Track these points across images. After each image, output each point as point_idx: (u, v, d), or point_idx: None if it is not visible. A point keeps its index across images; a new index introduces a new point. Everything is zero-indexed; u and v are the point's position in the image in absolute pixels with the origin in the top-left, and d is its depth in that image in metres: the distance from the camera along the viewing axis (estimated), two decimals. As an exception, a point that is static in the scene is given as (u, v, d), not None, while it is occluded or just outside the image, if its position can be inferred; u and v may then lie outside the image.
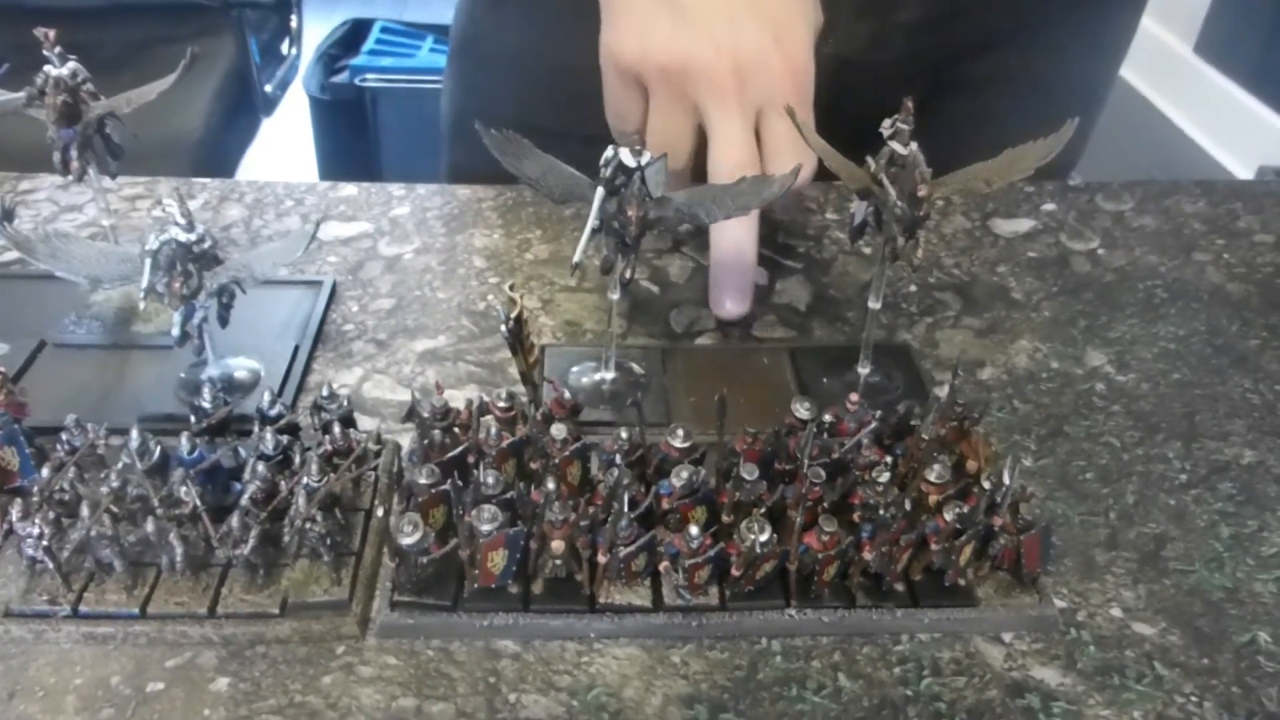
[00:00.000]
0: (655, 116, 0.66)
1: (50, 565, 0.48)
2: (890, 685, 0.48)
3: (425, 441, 0.52)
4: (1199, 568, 0.54)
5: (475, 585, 0.49)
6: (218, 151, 1.76)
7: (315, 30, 2.47)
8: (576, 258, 0.52)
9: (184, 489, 0.48)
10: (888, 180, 0.55)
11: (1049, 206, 0.86)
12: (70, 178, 0.60)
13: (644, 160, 0.53)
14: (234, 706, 0.46)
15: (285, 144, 2.24)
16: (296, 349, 0.65)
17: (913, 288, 0.74)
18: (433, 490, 0.50)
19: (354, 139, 2.34)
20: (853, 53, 0.78)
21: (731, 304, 0.68)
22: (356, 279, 0.73)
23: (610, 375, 0.63)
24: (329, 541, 0.49)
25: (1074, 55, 0.89)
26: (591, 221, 0.53)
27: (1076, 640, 0.50)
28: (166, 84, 0.61)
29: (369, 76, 2.33)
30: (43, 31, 0.57)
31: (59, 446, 0.52)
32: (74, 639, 0.48)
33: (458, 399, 0.56)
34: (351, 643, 0.48)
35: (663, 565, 0.49)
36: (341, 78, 2.40)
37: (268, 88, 2.01)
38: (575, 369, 0.64)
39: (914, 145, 0.55)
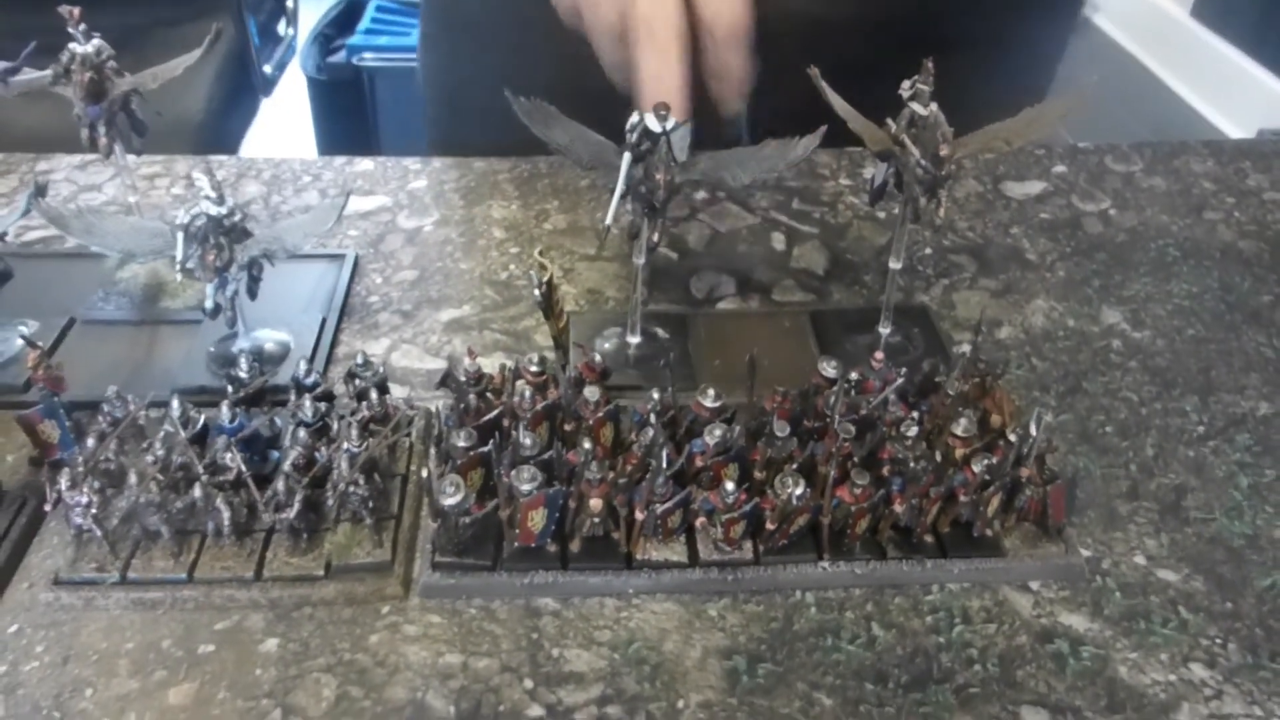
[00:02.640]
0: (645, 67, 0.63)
1: (98, 533, 0.49)
2: (923, 634, 0.49)
3: (461, 406, 0.53)
4: (1219, 516, 0.55)
5: (515, 545, 0.50)
6: (219, 133, 1.76)
7: (310, 10, 2.46)
8: (609, 220, 0.53)
9: (228, 455, 0.49)
10: (909, 141, 0.55)
11: (1059, 169, 0.86)
12: (99, 154, 0.61)
13: (669, 125, 0.54)
14: (284, 666, 0.47)
15: (284, 125, 2.24)
16: (324, 321, 0.65)
17: (928, 251, 0.75)
18: (471, 453, 0.51)
19: (352, 118, 2.33)
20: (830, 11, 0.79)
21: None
22: (378, 252, 0.74)
23: (636, 340, 0.63)
24: (370, 505, 0.50)
25: (1033, 16, 0.89)
26: (620, 186, 0.54)
27: (1102, 588, 0.52)
28: (192, 59, 0.61)
29: (365, 55, 2.32)
30: (67, 9, 0.58)
31: (100, 418, 0.53)
32: (123, 605, 0.49)
33: (487, 366, 0.57)
34: (395, 603, 0.49)
35: (699, 521, 0.50)
36: (338, 57, 2.39)
37: (266, 68, 2.01)
38: (601, 335, 0.65)
39: (934, 105, 0.56)
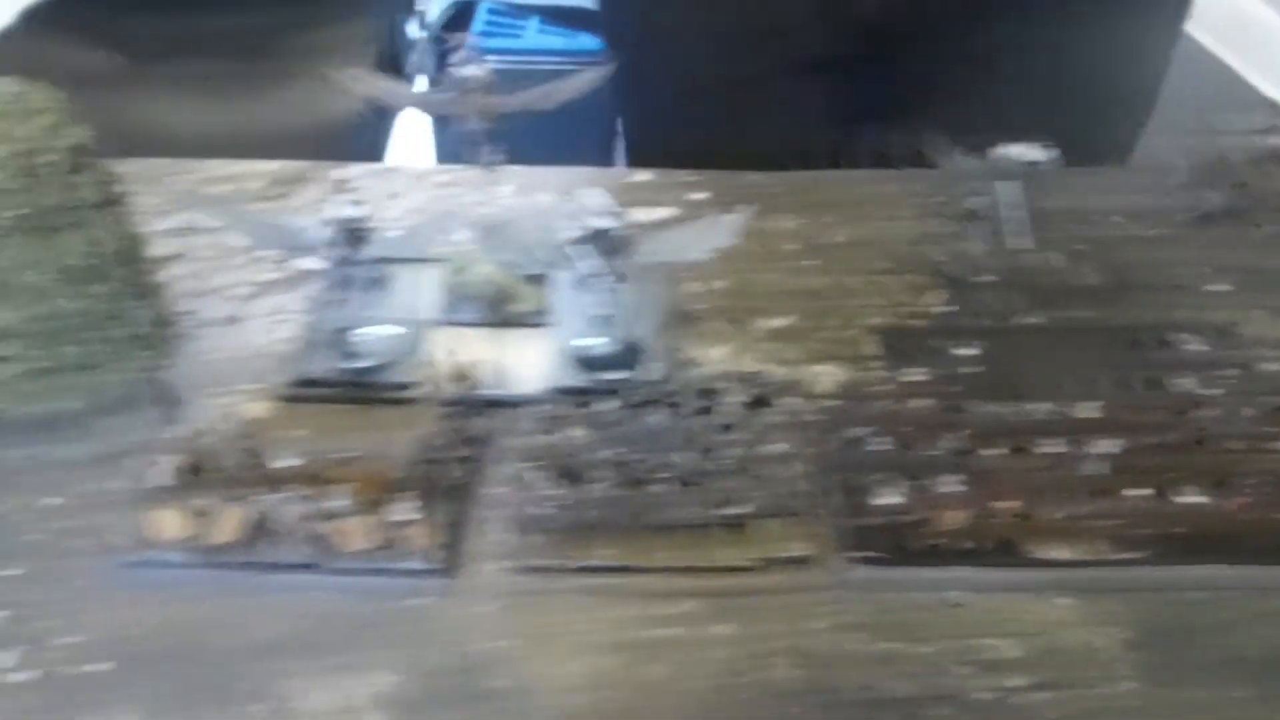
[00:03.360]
0: None
1: (554, 524, 0.53)
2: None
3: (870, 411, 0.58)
4: None
5: (929, 542, 0.54)
6: (370, 136, 1.80)
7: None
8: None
9: (668, 456, 0.54)
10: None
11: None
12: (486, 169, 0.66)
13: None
14: (736, 647, 0.51)
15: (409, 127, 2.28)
16: (660, 328, 0.69)
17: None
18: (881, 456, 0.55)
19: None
20: None
21: None
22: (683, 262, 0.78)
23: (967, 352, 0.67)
24: (798, 502, 0.54)
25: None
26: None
27: None
28: (600, 78, 0.65)
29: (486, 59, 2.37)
30: (455, 36, 0.62)
31: (544, 415, 0.58)
32: (573, 590, 0.53)
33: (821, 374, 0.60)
34: (826, 593, 0.54)
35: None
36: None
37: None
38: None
39: None
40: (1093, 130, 0.63)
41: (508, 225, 0.61)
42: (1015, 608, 0.53)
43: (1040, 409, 0.60)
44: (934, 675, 0.50)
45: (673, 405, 0.60)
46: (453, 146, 0.71)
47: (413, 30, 2.19)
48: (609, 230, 0.61)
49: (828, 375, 0.61)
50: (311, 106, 1.39)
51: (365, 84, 0.67)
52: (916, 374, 0.64)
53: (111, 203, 0.61)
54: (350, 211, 0.64)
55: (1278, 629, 0.53)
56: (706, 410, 0.58)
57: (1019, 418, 0.59)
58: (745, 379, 0.60)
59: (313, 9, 1.99)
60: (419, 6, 2.17)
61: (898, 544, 0.54)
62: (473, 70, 0.63)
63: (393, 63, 1.96)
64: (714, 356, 0.69)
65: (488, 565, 0.54)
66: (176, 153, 0.92)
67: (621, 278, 0.63)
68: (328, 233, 0.65)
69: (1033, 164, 0.57)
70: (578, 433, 0.56)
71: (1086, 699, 0.49)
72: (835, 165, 0.87)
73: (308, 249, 0.67)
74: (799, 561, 0.54)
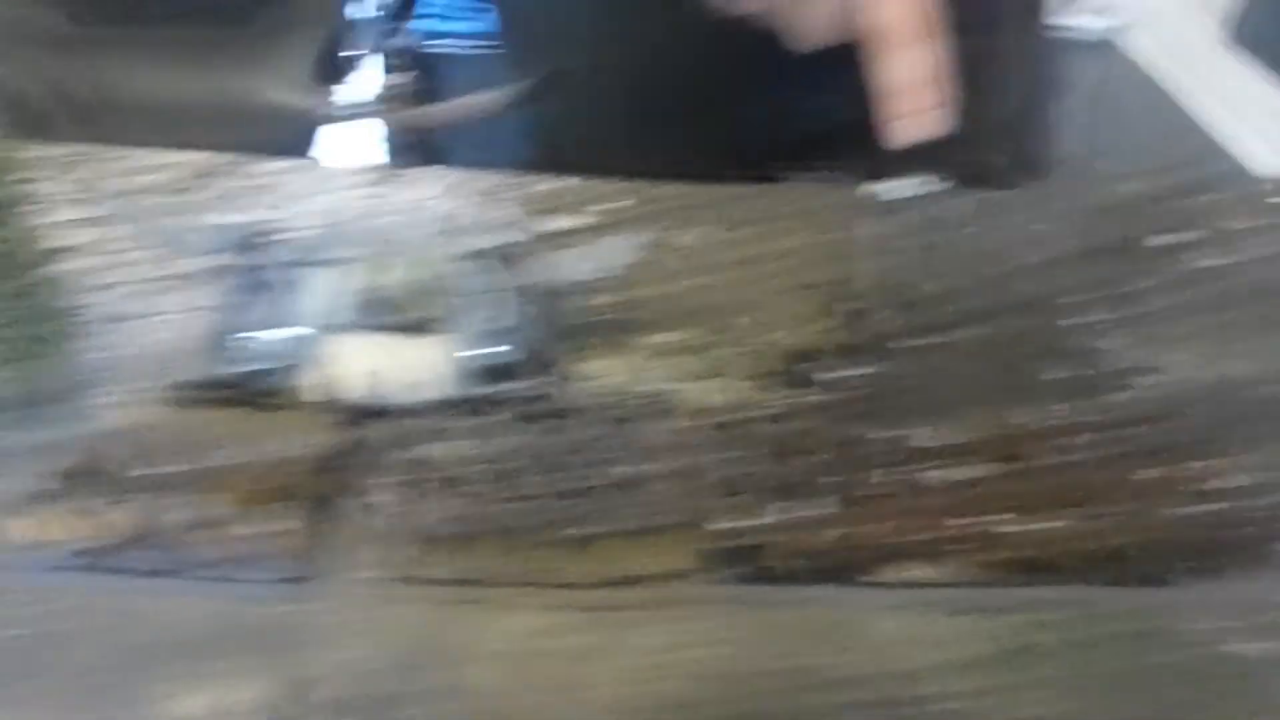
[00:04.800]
0: None
1: (413, 534, 0.55)
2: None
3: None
4: None
5: (792, 562, 0.56)
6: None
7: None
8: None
9: (526, 467, 0.55)
10: None
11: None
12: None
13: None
14: (595, 662, 0.53)
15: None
16: (559, 339, 0.71)
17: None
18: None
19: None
20: None
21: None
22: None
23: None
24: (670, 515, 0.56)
25: None
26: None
27: None
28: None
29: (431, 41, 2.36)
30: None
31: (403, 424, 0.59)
32: (449, 601, 0.55)
33: (717, 389, 0.62)
34: (691, 609, 0.55)
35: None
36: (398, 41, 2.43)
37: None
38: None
39: None
40: (986, 157, 0.65)
41: (410, 232, 0.62)
42: (864, 627, 0.56)
43: (915, 432, 0.62)
44: (774, 694, 0.52)
45: (556, 419, 0.61)
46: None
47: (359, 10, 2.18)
48: (511, 241, 0.62)
49: (714, 392, 0.63)
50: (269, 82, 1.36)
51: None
52: (802, 393, 0.65)
53: (13, 201, 0.61)
54: (261, 211, 0.65)
55: (1111, 652, 0.55)
56: (589, 424, 0.60)
57: (889, 441, 0.61)
58: (629, 394, 0.62)
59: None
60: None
61: (762, 563, 0.56)
62: (396, 79, 0.64)
63: (336, 43, 1.95)
64: (607, 370, 0.70)
65: (362, 575, 0.56)
66: (128, 123, 0.90)
67: (522, 289, 0.65)
68: (236, 233, 0.66)
69: (920, 193, 0.59)
70: (459, 444, 0.58)
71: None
72: (760, 179, 0.89)
73: (214, 249, 0.68)
74: (664, 578, 0.56)
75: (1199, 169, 0.86)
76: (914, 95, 0.63)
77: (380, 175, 0.67)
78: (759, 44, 0.70)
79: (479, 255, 0.61)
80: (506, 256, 0.62)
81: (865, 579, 0.56)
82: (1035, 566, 0.57)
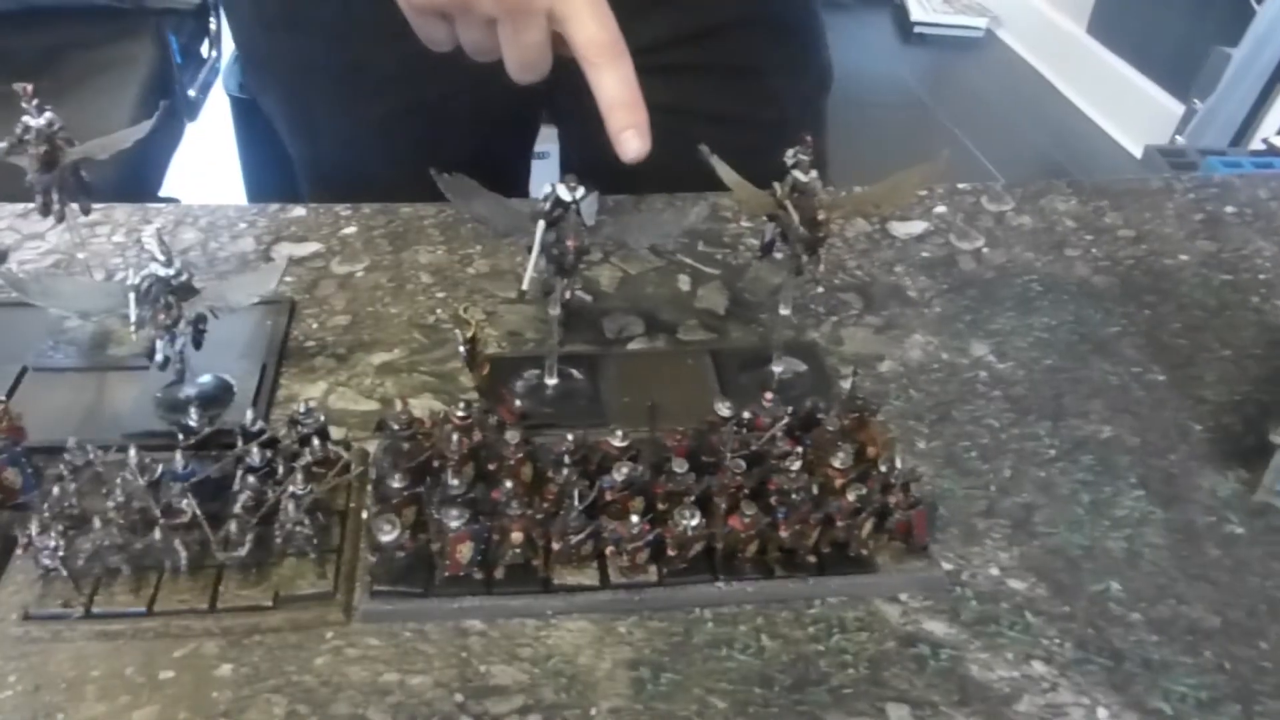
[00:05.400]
0: (463, 37, 0.70)
1: (64, 572, 0.54)
2: (805, 643, 0.56)
3: (394, 451, 0.59)
4: (1062, 530, 0.64)
5: (445, 574, 0.56)
6: (145, 160, 1.78)
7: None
8: (525, 285, 0.60)
9: (184, 501, 0.55)
10: (791, 206, 0.63)
11: (940, 209, 0.95)
12: (52, 218, 0.66)
13: (578, 195, 0.61)
14: (238, 688, 0.52)
15: (209, 148, 2.25)
16: (265, 366, 0.71)
17: (819, 289, 0.83)
18: (405, 494, 0.57)
19: (274, 136, 2.35)
20: None
21: (636, 141, 0.66)
22: (313, 297, 0.79)
23: (553, 382, 0.70)
24: (314, 541, 0.56)
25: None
26: (535, 250, 0.60)
27: (960, 597, 0.60)
28: (142, 131, 0.66)
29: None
30: (21, 86, 0.62)
31: (61, 465, 0.58)
32: (88, 636, 0.54)
33: (414, 407, 0.63)
34: (338, 628, 0.55)
35: (609, 549, 0.57)
36: (260, 76, 2.41)
37: (190, 92, 2.03)
38: (521, 377, 0.71)
39: (814, 173, 0.63)
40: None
41: (56, 277, 0.61)
42: (529, 633, 0.56)
43: (606, 433, 0.62)
44: (422, 706, 0.52)
45: (226, 448, 0.61)
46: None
47: (204, 50, 2.17)
48: (168, 275, 0.61)
49: (418, 409, 0.63)
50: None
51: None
52: (508, 404, 0.66)
53: None
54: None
55: (774, 640, 0.56)
56: (267, 457, 0.60)
57: (552, 446, 0.61)
58: (309, 419, 0.61)
59: (98, 27, 1.97)
60: (212, 26, 2.14)
61: (415, 578, 0.56)
62: (31, 120, 0.63)
63: (163, 81, 1.94)
64: (311, 394, 0.70)
65: (8, 617, 0.55)
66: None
67: (200, 320, 0.64)
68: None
69: (572, 201, 0.60)
70: (125, 479, 0.57)
71: None
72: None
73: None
74: (314, 599, 0.55)
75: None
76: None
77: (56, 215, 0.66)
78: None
79: (139, 288, 0.60)
80: (164, 290, 0.61)
81: (530, 586, 0.57)
82: (709, 562, 0.58)
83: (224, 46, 2.20)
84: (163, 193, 1.95)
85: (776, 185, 0.64)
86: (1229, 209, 0.98)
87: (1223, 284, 0.87)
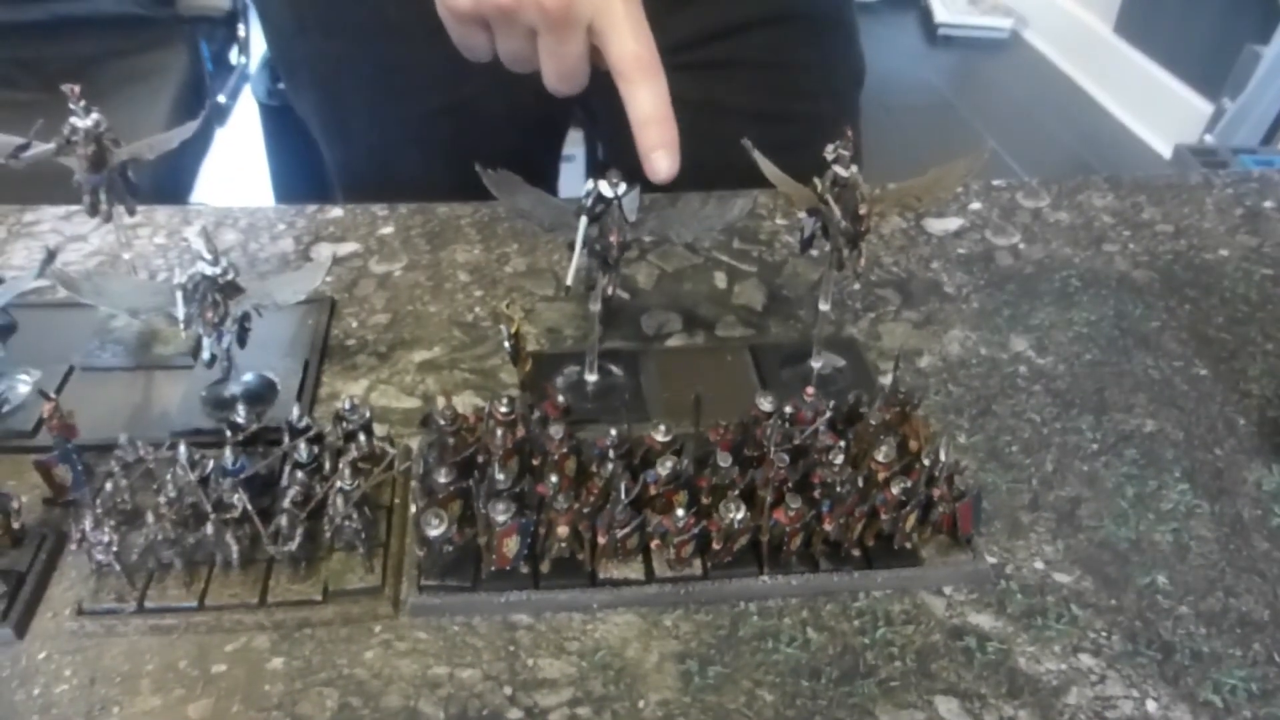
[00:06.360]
0: (502, 47, 0.70)
1: (117, 567, 0.55)
2: (851, 635, 0.56)
3: (440, 446, 0.60)
4: (1107, 523, 0.64)
5: (492, 568, 0.56)
6: (178, 165, 1.80)
7: (261, 36, 2.49)
8: (569, 280, 0.60)
9: (236, 495, 0.55)
10: (832, 200, 0.63)
11: (975, 205, 0.95)
12: (99, 218, 0.66)
13: (620, 190, 0.61)
14: (290, 680, 0.53)
15: (237, 154, 2.27)
16: (307, 364, 0.71)
17: (856, 286, 0.83)
18: (451, 488, 0.57)
19: (302, 141, 2.37)
20: None
21: (666, 160, 0.66)
22: (352, 296, 0.80)
23: (593, 378, 0.70)
24: (362, 535, 0.56)
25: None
26: (578, 246, 0.61)
27: (1006, 590, 0.59)
28: (188, 131, 0.67)
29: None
30: (69, 87, 0.63)
31: (112, 462, 0.59)
32: (141, 631, 0.55)
33: (457, 404, 0.63)
34: (387, 622, 0.56)
35: (654, 542, 0.57)
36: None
37: (220, 98, 2.05)
38: (562, 373, 0.71)
39: (855, 168, 0.63)
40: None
41: (105, 276, 0.62)
42: (576, 627, 0.56)
43: (648, 430, 0.62)
44: (472, 698, 0.52)
45: (272, 444, 0.62)
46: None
47: (233, 57, 2.19)
48: (215, 274, 0.62)
49: (460, 406, 0.63)
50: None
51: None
52: (552, 398, 0.66)
53: None
54: None
55: (820, 632, 0.56)
56: (314, 452, 0.60)
57: (593, 443, 0.61)
58: (354, 415, 0.62)
59: (131, 37, 1.99)
60: (240, 33, 2.17)
61: (462, 571, 0.57)
62: (79, 121, 0.64)
63: (195, 88, 1.96)
64: (353, 391, 0.71)
65: (62, 612, 0.55)
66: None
67: (245, 319, 0.65)
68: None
69: (614, 197, 0.60)
70: (176, 475, 0.58)
71: (621, 713, 0.52)
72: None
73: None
74: (363, 593, 0.56)
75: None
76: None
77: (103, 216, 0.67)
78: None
79: (186, 288, 0.61)
80: (212, 289, 0.61)
81: (576, 580, 0.57)
82: (745, 557, 0.58)
83: (252, 53, 2.23)
84: (193, 198, 1.97)
85: (817, 180, 0.64)
86: (1268, 204, 0.97)
87: (1264, 278, 0.86)
